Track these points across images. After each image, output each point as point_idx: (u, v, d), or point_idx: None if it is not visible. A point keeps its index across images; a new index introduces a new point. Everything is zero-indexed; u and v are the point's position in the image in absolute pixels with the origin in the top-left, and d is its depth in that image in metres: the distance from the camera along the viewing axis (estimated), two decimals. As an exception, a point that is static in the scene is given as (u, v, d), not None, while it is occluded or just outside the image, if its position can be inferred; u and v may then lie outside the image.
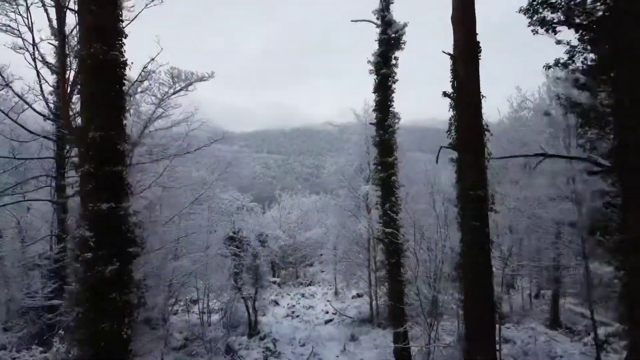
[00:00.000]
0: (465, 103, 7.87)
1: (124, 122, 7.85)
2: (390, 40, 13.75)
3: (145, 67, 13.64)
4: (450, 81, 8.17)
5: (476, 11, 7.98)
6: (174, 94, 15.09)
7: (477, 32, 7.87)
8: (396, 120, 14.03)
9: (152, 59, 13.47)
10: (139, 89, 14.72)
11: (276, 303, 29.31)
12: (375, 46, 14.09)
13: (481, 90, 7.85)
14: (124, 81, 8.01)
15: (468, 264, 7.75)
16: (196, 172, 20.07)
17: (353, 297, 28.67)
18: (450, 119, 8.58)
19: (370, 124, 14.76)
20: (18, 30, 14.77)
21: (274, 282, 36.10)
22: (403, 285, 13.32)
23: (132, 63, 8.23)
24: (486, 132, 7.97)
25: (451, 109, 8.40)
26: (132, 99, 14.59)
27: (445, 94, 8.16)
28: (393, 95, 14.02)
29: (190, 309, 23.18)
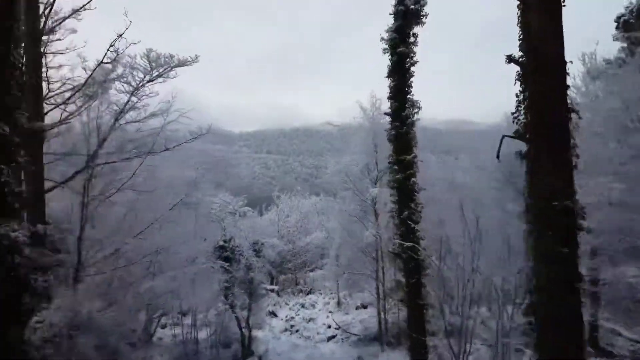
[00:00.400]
0: (541, 70, 5.33)
1: (12, 92, 5.12)
2: (408, 12, 11.36)
3: (112, 45, 11.30)
4: (519, 39, 5.69)
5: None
6: (150, 81, 12.85)
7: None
8: (415, 110, 11.63)
9: (120, 36, 11.13)
10: (111, 76, 12.54)
11: (274, 314, 27.29)
12: (390, 21, 11.71)
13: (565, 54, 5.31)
14: (15, 28, 5.19)
15: (549, 308, 5.15)
16: (184, 172, 17.92)
17: (357, 308, 26.58)
18: (517, 95, 5.99)
19: (385, 114, 12.38)
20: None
21: (272, 290, 33.83)
22: (425, 310, 10.95)
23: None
24: (572, 114, 5.49)
25: (518, 81, 5.87)
26: (100, 87, 12.49)
27: (510, 59, 5.65)
28: (412, 79, 11.59)
29: (179, 322, 20.92)
